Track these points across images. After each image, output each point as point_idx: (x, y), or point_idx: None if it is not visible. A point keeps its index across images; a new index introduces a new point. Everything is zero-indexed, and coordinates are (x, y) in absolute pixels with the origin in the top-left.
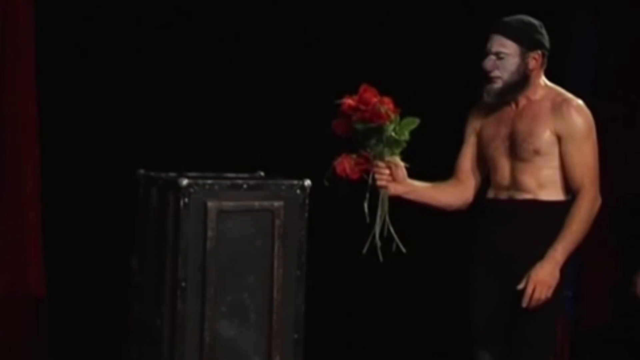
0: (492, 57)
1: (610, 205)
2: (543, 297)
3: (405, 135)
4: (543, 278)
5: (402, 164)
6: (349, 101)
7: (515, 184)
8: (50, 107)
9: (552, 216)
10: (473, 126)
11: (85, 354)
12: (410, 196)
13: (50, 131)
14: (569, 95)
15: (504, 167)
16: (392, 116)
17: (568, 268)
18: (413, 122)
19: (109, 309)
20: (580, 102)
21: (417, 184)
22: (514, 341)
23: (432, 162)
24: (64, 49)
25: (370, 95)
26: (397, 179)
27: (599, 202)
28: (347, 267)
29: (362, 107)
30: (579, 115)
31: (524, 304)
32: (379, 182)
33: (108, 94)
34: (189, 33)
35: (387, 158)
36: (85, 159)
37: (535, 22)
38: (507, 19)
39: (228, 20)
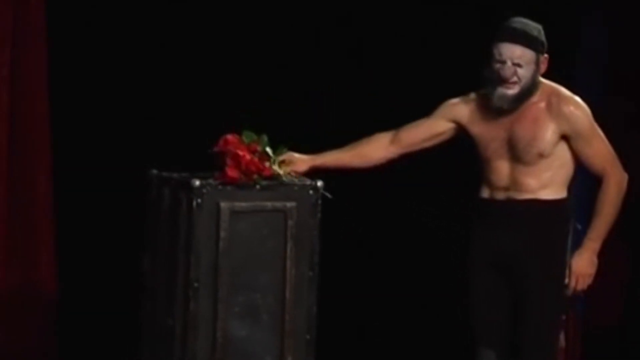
0: (510, 65)
1: None
2: (586, 287)
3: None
4: (583, 269)
5: (291, 154)
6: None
7: (514, 185)
8: (62, 107)
9: (553, 214)
10: (453, 115)
11: (97, 354)
12: (320, 168)
13: (62, 131)
14: (561, 90)
15: (502, 169)
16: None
17: None
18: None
19: (120, 309)
20: (574, 97)
21: (321, 156)
22: (520, 341)
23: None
24: (76, 49)
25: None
26: (298, 167)
27: (625, 179)
28: (360, 268)
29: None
30: (578, 110)
31: (569, 294)
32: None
33: (120, 94)
34: (202, 34)
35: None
36: (97, 159)
37: (537, 24)
38: (517, 25)
39: (238, 23)
